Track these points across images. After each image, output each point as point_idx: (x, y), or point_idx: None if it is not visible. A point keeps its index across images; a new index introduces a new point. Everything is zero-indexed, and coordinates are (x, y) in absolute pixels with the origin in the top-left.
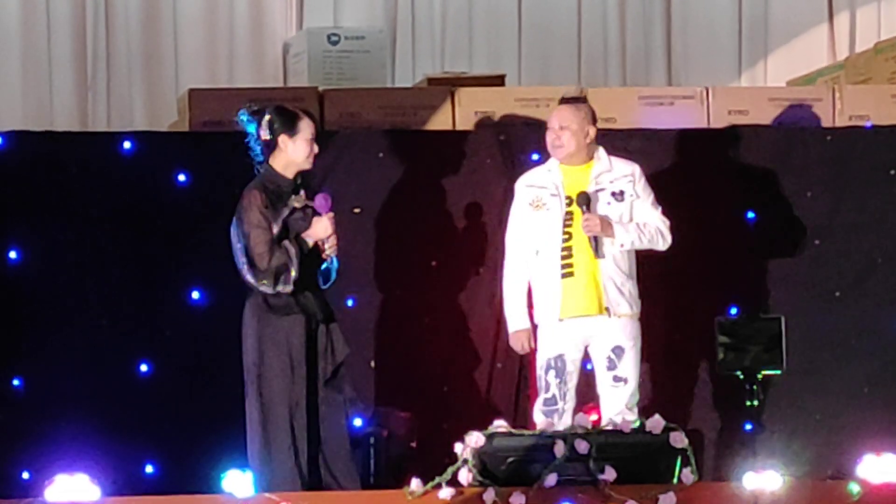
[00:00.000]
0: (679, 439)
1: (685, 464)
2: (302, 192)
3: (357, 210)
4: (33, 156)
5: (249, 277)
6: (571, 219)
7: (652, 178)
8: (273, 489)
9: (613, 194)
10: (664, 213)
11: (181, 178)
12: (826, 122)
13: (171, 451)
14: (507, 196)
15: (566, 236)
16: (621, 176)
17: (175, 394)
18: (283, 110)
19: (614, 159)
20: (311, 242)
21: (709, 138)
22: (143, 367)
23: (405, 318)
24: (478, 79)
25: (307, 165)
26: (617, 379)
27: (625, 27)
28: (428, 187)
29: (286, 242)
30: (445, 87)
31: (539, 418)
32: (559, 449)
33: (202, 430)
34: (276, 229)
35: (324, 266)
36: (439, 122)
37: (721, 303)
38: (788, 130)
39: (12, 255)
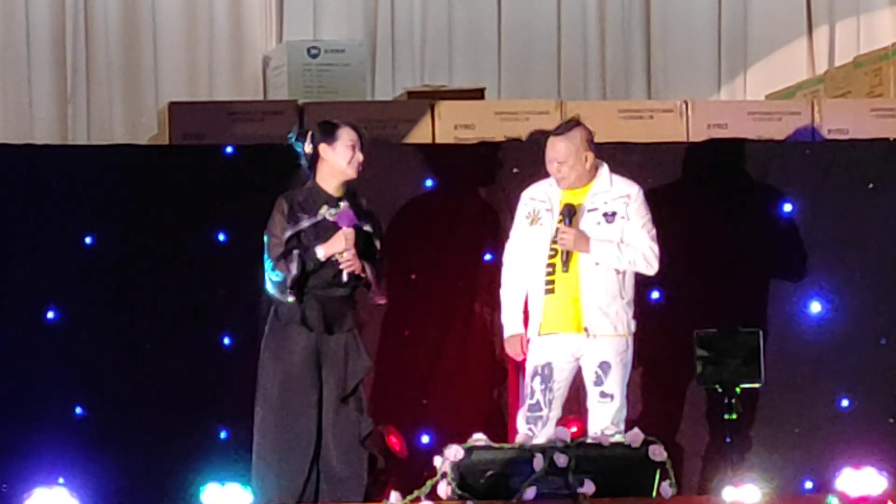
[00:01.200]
0: (658, 453)
1: (664, 477)
2: (342, 204)
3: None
4: (13, 169)
5: (267, 283)
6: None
7: None
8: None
9: (605, 215)
10: (656, 239)
11: (161, 191)
12: (805, 136)
13: (151, 463)
14: (487, 209)
15: (553, 252)
16: (617, 196)
17: (155, 406)
18: (323, 122)
19: (616, 178)
20: (321, 255)
21: (688, 152)
22: (124, 379)
23: (385, 331)
24: (457, 92)
25: (351, 172)
26: (603, 395)
27: (604, 41)
28: (408, 200)
29: (294, 253)
30: (425, 100)
31: (521, 425)
32: (538, 462)
33: (183, 443)
34: (286, 234)
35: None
36: (419, 135)
37: (700, 316)
38: (767, 144)
39: None
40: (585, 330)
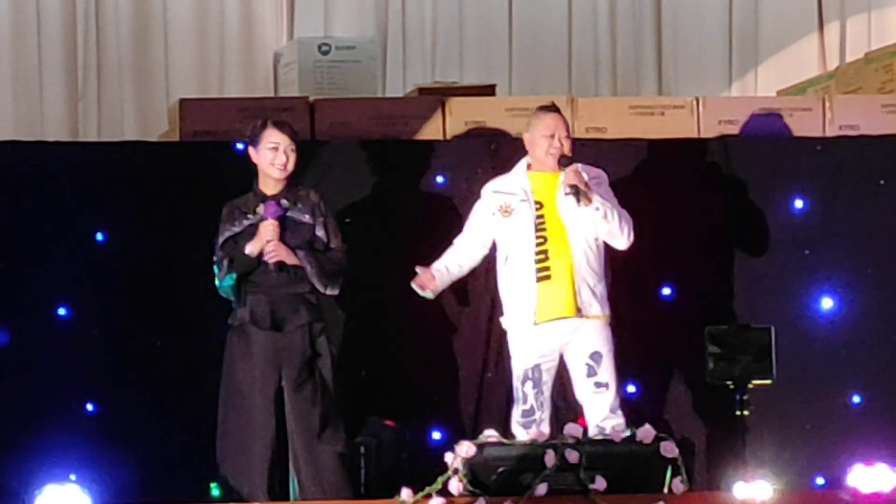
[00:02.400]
0: (669, 449)
1: (675, 473)
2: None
3: (348, 220)
4: (24, 166)
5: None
6: (544, 222)
7: (642, 187)
8: (234, 499)
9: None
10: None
11: (172, 187)
12: (816, 132)
13: (162, 459)
14: None
15: (540, 240)
16: (590, 178)
17: (166, 403)
18: (253, 125)
19: (585, 166)
20: (249, 250)
21: (699, 148)
22: (134, 377)
23: (396, 328)
24: (468, 88)
25: (275, 173)
26: (598, 385)
27: (615, 37)
28: (419, 197)
29: (224, 261)
30: (436, 96)
31: (517, 430)
32: (549, 459)
33: (194, 439)
34: (221, 239)
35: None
36: (430, 131)
37: (711, 312)
38: (779, 140)
39: (1, 265)
40: (579, 311)
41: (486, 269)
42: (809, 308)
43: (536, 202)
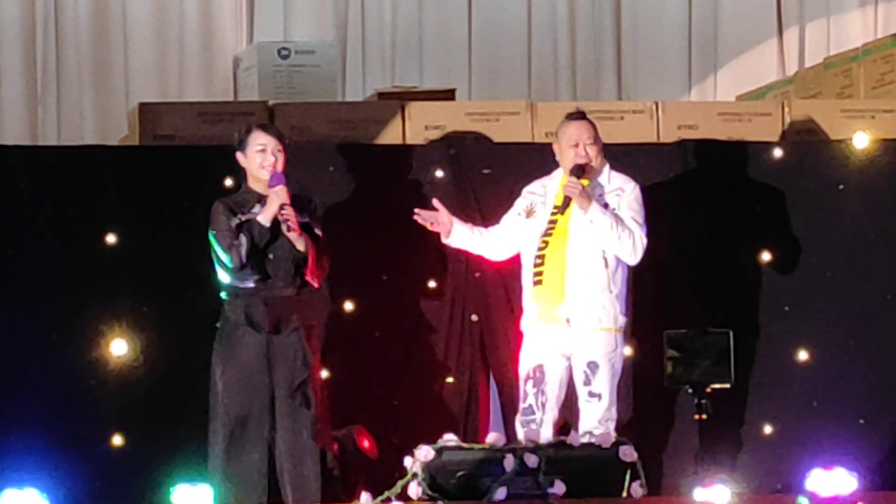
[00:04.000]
0: (628, 453)
1: (634, 477)
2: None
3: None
4: None
5: (224, 277)
6: (554, 227)
7: None
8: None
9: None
10: (646, 235)
11: (132, 191)
12: (775, 137)
13: (122, 464)
14: (457, 210)
15: (542, 244)
16: (612, 189)
17: (127, 406)
18: (240, 129)
19: (615, 174)
20: (264, 220)
21: (658, 153)
22: (93, 382)
23: (355, 332)
24: (428, 93)
25: (265, 175)
26: (591, 394)
27: (575, 42)
28: (378, 201)
29: (240, 235)
30: (396, 101)
31: (518, 429)
32: (509, 463)
33: (153, 442)
34: (232, 224)
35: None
36: (389, 136)
37: (670, 316)
38: (737, 145)
39: None
40: (567, 321)
41: (453, 272)
42: (768, 311)
43: (554, 206)
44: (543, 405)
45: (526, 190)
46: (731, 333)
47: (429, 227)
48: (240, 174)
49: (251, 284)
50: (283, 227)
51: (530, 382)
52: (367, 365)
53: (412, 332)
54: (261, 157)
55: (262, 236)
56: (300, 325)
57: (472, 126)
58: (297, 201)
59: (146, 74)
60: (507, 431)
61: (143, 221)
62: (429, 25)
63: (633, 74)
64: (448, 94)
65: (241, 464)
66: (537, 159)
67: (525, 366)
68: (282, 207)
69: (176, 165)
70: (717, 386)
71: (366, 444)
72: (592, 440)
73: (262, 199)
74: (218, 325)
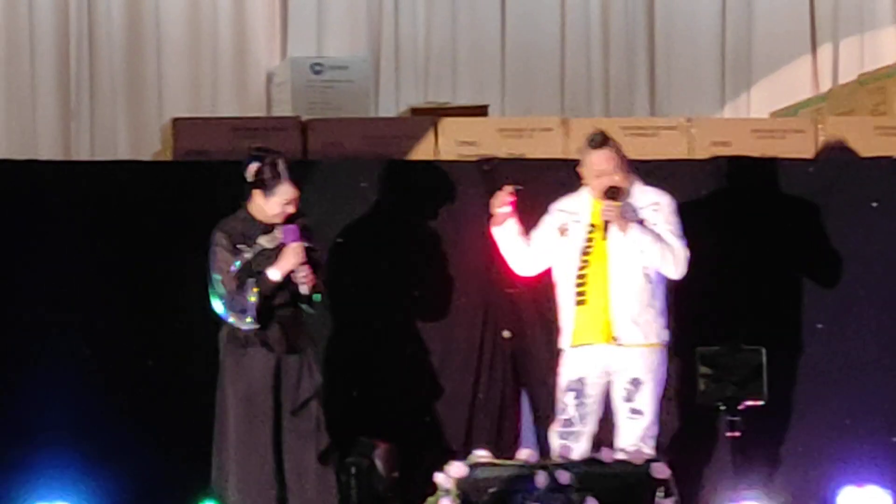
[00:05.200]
0: (661, 470)
1: (667, 495)
2: (275, 231)
3: (339, 240)
4: (16, 184)
5: (220, 312)
6: (591, 247)
7: None
8: None
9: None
10: (685, 247)
11: (165, 207)
12: (809, 154)
13: (151, 479)
14: (490, 226)
15: (583, 264)
16: (648, 204)
17: (156, 421)
18: (273, 167)
19: (647, 189)
20: (276, 276)
21: (691, 169)
22: (123, 396)
23: (387, 348)
24: (461, 109)
25: (275, 221)
26: (634, 411)
27: (608, 57)
28: (410, 217)
29: (249, 282)
30: (428, 117)
31: (555, 440)
32: (541, 479)
33: (182, 459)
34: (233, 267)
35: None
36: (422, 152)
37: (703, 333)
38: (770, 162)
39: None
40: (615, 339)
41: (476, 291)
42: (801, 329)
43: (591, 224)
44: (584, 417)
45: (556, 208)
46: (764, 350)
47: (495, 205)
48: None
49: (250, 328)
50: (299, 285)
51: (571, 394)
52: (398, 381)
53: (444, 348)
54: (281, 210)
55: (272, 293)
56: (307, 345)
57: (505, 142)
58: (303, 230)
59: (179, 89)
60: (539, 447)
61: (174, 236)
62: (462, 41)
63: (667, 90)
64: (481, 110)
65: (250, 484)
66: (571, 175)
67: (566, 378)
68: (298, 266)
69: (209, 181)
70: (750, 403)
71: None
72: (625, 457)
73: (266, 229)
74: (223, 344)
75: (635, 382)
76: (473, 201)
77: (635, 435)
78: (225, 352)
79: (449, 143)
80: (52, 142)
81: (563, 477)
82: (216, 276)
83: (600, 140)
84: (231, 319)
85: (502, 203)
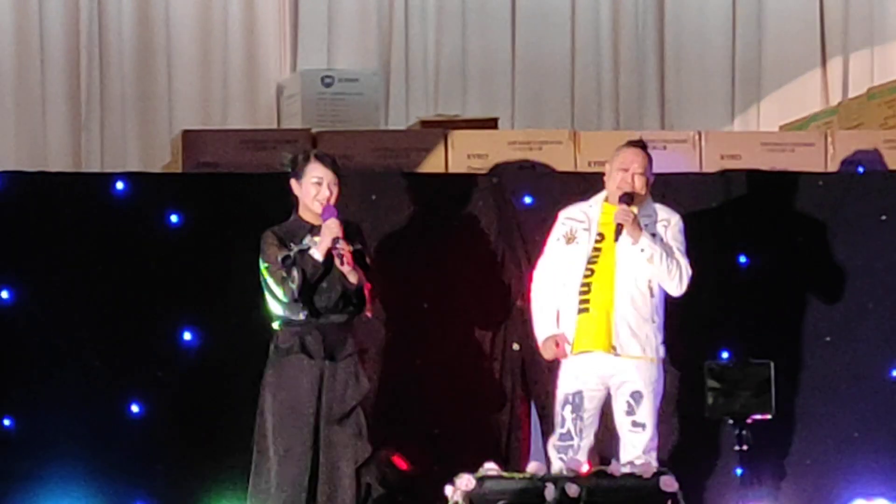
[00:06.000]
0: (669, 483)
1: None
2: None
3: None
4: (26, 196)
5: (276, 309)
6: (599, 255)
7: None
8: None
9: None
10: (689, 266)
11: (174, 219)
12: (818, 167)
13: (162, 492)
14: (500, 238)
15: (588, 272)
16: (659, 220)
17: (166, 434)
18: (295, 157)
19: (659, 206)
20: (318, 255)
21: (701, 182)
22: (135, 408)
23: (396, 360)
24: (471, 122)
25: (317, 208)
26: (635, 424)
27: (618, 70)
28: (420, 230)
29: (293, 267)
30: (438, 129)
31: (552, 454)
32: (549, 492)
33: (193, 471)
34: (281, 257)
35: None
36: (432, 164)
37: (711, 347)
38: (780, 175)
39: (3, 294)
40: (614, 348)
41: (486, 303)
42: (810, 342)
43: (598, 233)
44: (581, 431)
45: (564, 216)
46: (772, 364)
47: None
48: (288, 200)
49: (303, 317)
50: (337, 261)
51: (569, 408)
52: (407, 393)
53: (453, 360)
54: (316, 190)
55: (314, 270)
56: (353, 352)
57: (515, 155)
58: (348, 228)
59: (189, 101)
60: (548, 460)
61: (184, 248)
62: (472, 54)
63: (677, 104)
64: (491, 123)
65: (289, 494)
66: (581, 187)
67: (563, 391)
68: (335, 241)
69: (218, 193)
70: (758, 417)
71: (398, 459)
72: (634, 470)
73: (314, 230)
74: (269, 354)
75: (636, 395)
76: (483, 213)
77: (639, 448)
78: (269, 363)
79: (459, 156)
80: (62, 153)
81: (572, 490)
82: (266, 272)
83: (639, 142)
84: (282, 311)
85: (553, 355)
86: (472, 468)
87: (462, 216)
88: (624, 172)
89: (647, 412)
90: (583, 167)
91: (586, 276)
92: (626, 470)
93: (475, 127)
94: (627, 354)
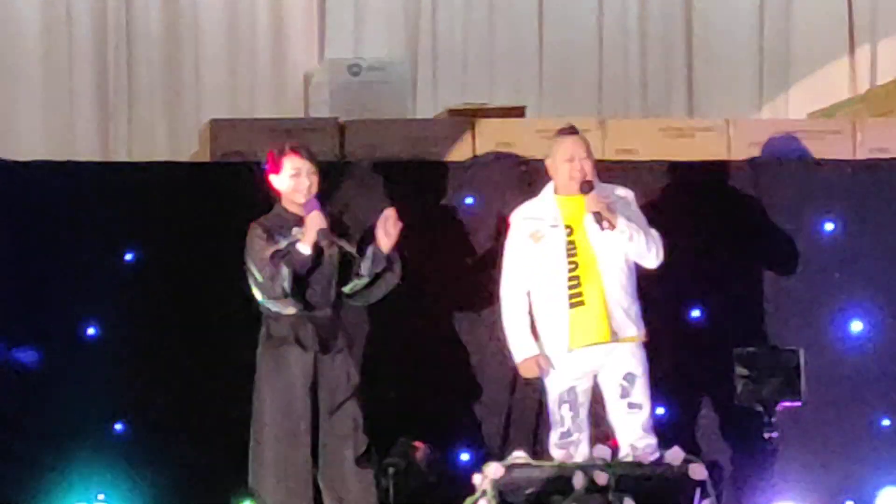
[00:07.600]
0: (698, 471)
1: (704, 495)
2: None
3: None
4: (54, 185)
5: (260, 300)
6: (575, 248)
7: (672, 209)
8: None
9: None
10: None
11: (202, 208)
12: (847, 155)
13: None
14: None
15: (572, 265)
16: (617, 199)
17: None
18: (270, 153)
19: (610, 185)
20: (307, 251)
21: (729, 170)
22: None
23: (426, 349)
24: (498, 110)
25: (300, 199)
26: (632, 405)
27: (646, 58)
28: (448, 219)
29: (281, 264)
30: (466, 118)
31: (556, 452)
32: (578, 480)
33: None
34: (267, 253)
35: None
36: (460, 153)
37: (740, 334)
38: (808, 163)
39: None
40: (614, 334)
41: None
42: (839, 330)
43: (566, 227)
44: (580, 425)
45: (520, 217)
46: (801, 351)
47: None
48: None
49: (294, 311)
50: (324, 244)
51: (566, 406)
52: (436, 382)
53: (482, 349)
54: (295, 182)
55: (303, 265)
56: (345, 346)
57: (543, 143)
58: (331, 219)
59: (217, 91)
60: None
61: (212, 237)
62: (499, 42)
63: (705, 91)
64: (518, 111)
65: (287, 487)
66: (609, 176)
67: (557, 390)
68: (321, 234)
69: (246, 182)
70: (787, 404)
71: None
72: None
73: (298, 221)
74: (260, 342)
75: (629, 377)
76: (511, 202)
77: (637, 428)
78: (261, 351)
79: (486, 145)
80: (90, 143)
81: (601, 478)
82: (252, 265)
83: (571, 129)
84: (272, 306)
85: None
86: (501, 456)
87: (490, 205)
88: (570, 163)
89: (641, 391)
90: (610, 154)
91: (572, 270)
92: (628, 453)
93: (503, 115)
94: (625, 337)
